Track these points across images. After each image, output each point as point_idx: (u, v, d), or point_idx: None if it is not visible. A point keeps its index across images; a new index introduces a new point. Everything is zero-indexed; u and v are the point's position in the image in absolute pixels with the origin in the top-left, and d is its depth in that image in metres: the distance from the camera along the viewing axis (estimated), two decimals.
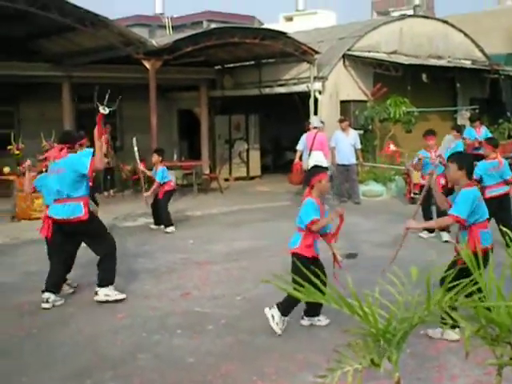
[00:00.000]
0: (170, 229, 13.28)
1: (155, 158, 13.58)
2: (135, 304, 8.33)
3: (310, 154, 15.84)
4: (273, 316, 7.02)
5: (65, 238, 8.44)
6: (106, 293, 8.35)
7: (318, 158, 15.73)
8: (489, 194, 10.42)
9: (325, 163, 15.77)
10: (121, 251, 9.29)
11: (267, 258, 10.67)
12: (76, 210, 8.15)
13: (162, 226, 13.42)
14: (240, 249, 11.62)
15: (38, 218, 14.45)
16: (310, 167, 14.89)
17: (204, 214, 15.41)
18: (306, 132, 16.44)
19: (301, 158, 16.18)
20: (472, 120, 17.42)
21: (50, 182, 8.29)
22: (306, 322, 7.32)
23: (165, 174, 13.47)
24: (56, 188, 8.15)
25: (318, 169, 7.65)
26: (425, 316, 3.08)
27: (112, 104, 8.25)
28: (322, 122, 16.56)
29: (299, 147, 16.26)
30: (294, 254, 7.09)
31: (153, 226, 13.72)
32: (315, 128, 16.19)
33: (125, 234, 12.98)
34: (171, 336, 7.10)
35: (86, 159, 8.06)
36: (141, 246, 11.94)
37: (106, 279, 8.39)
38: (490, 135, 16.86)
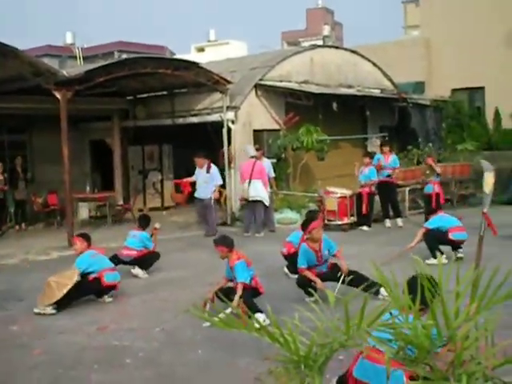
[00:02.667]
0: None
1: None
2: (51, 339, 8.14)
3: (249, 183, 16.10)
4: None
5: None
6: None
7: (257, 187, 16.08)
8: None
9: (264, 192, 16.11)
10: (34, 286, 9.09)
11: (185, 288, 10.61)
12: None
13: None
14: (157, 280, 11.51)
15: None
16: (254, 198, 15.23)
17: (119, 245, 15.11)
18: (214, 162, 16.89)
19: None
20: (382, 145, 17.97)
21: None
22: None
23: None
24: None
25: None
26: (344, 340, 3.11)
27: None
28: (255, 151, 17.01)
29: (194, 178, 16.90)
30: None
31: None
32: (252, 157, 16.62)
33: (38, 268, 12.69)
34: (88, 371, 6.94)
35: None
36: None
37: None
38: (397, 163, 17.43)
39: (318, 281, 9.26)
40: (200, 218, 17.19)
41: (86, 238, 10.67)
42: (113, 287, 10.18)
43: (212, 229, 16.46)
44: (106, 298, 10.08)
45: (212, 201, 16.51)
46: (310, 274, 9.39)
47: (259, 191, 16.27)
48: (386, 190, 16.93)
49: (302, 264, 9.50)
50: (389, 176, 16.99)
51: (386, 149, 17.47)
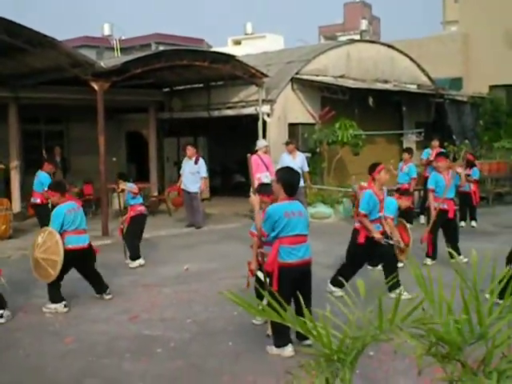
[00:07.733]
0: (136, 263, 12.02)
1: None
2: (82, 328, 8.21)
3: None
4: None
5: None
6: None
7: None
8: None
9: None
10: (67, 275, 9.16)
11: (217, 280, 10.63)
12: None
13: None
14: (190, 271, 11.55)
15: None
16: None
17: (152, 236, 15.18)
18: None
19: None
20: (432, 139, 17.64)
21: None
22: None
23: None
24: None
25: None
26: (377, 335, 3.09)
27: None
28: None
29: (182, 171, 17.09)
30: None
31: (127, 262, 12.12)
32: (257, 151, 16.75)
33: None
34: (120, 360, 7.00)
35: None
36: None
37: None
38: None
39: (376, 232, 8.88)
40: (187, 209, 17.03)
41: (58, 188, 9.40)
42: (77, 251, 9.15)
43: (199, 221, 16.68)
44: (105, 296, 9.56)
45: (198, 194, 16.57)
46: (368, 223, 8.90)
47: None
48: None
49: (364, 209, 8.89)
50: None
51: (436, 144, 17.13)
